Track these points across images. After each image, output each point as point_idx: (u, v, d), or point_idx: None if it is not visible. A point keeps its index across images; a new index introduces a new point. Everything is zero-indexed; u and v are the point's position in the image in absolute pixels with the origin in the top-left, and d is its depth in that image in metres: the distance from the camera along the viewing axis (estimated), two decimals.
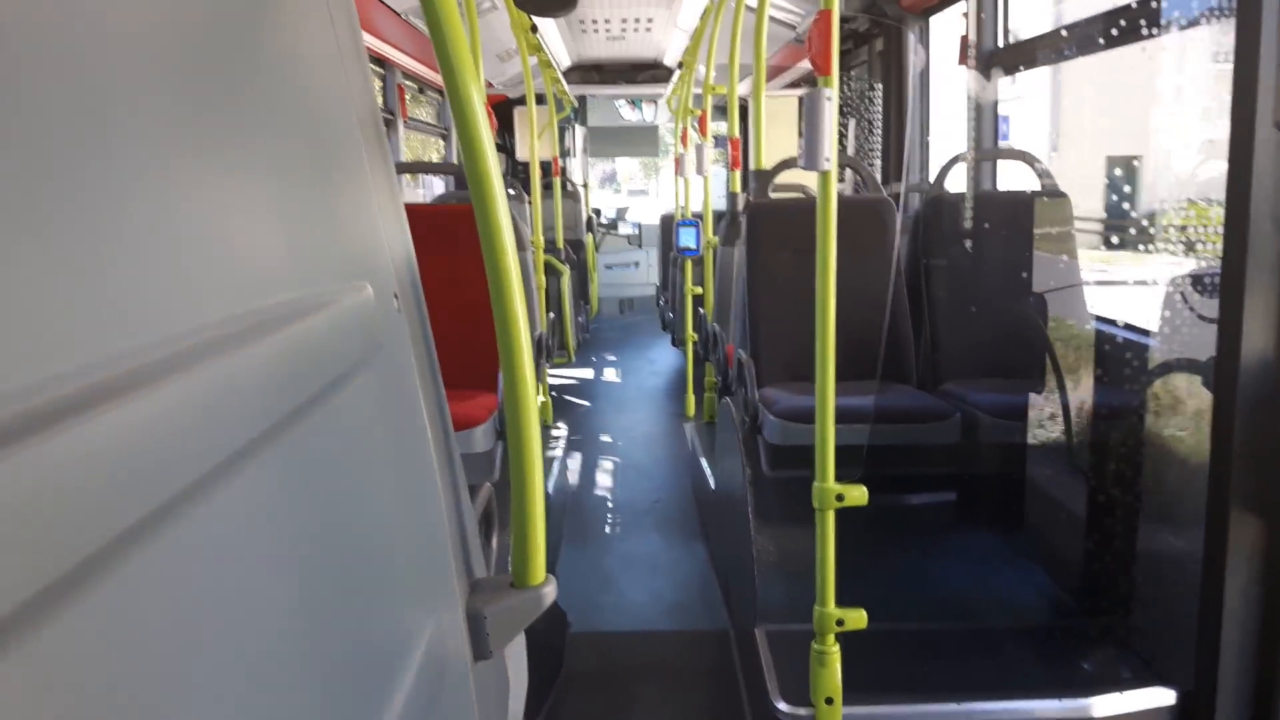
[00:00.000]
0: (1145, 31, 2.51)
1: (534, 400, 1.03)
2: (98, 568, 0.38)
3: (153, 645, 0.42)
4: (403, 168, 4.26)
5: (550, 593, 1.05)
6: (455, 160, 6.31)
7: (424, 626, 0.84)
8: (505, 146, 8.20)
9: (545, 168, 6.32)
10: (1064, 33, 3.09)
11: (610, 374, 6.83)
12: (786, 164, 3.43)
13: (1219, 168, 1.69)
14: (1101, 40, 2.81)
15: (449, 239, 2.92)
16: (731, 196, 4.14)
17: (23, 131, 0.39)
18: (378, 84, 5.10)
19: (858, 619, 1.84)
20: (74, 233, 0.41)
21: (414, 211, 3.24)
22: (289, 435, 0.59)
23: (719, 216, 4.72)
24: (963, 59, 3.80)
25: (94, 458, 0.38)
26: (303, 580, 0.61)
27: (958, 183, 3.66)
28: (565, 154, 9.20)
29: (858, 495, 1.82)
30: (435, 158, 6.50)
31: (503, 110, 7.79)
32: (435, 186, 6.08)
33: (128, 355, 0.43)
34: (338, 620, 0.66)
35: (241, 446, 0.52)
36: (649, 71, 8.04)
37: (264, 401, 0.56)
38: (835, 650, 1.85)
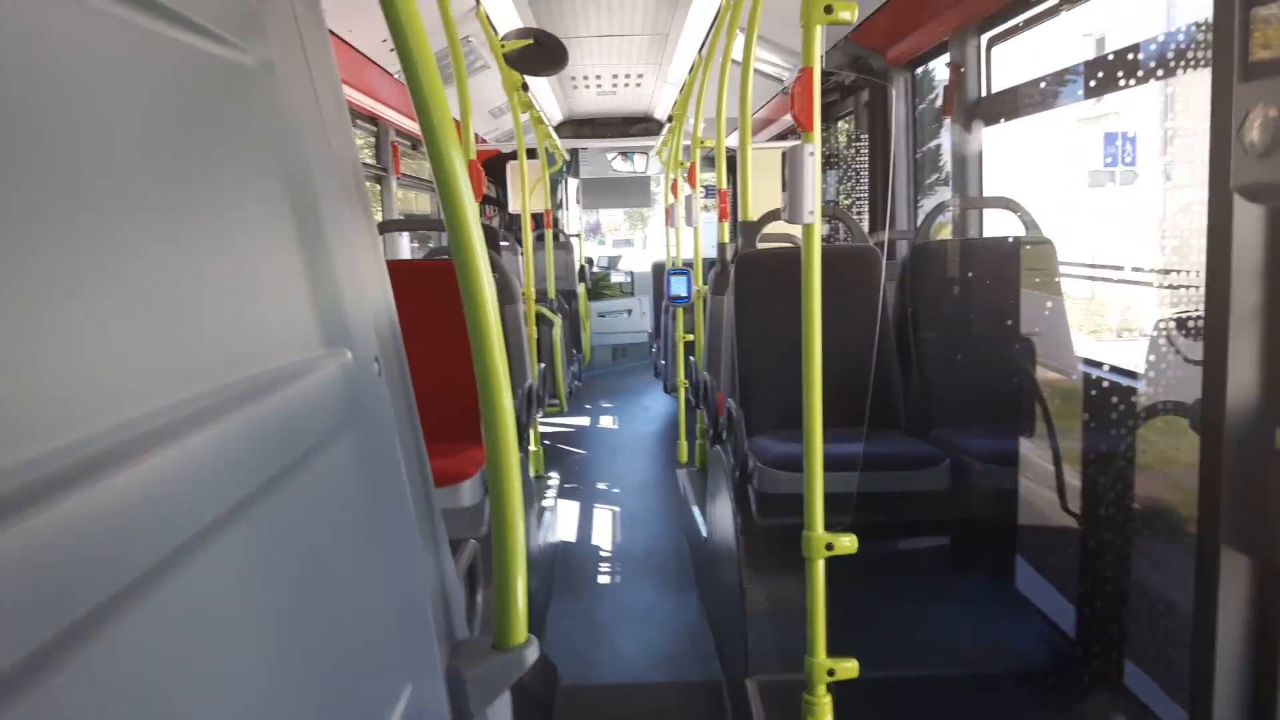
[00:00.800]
0: (1123, 82, 2.57)
1: (516, 461, 1.04)
2: (75, 637, 0.38)
3: (129, 713, 0.42)
4: (391, 225, 4.30)
5: (532, 653, 1.05)
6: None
7: (402, 689, 0.84)
8: (498, 200, 8.28)
9: (538, 219, 6.38)
10: (1043, 84, 3.16)
11: (603, 422, 6.83)
12: (772, 215, 3.47)
13: None
14: (1080, 91, 2.87)
15: (437, 294, 2.94)
16: (721, 247, 4.19)
17: (4, 205, 0.40)
18: (371, 141, 5.17)
19: (849, 669, 1.83)
20: (54, 307, 0.42)
21: (404, 267, 3.26)
22: (266, 502, 0.60)
23: (710, 265, 4.76)
24: (947, 109, 3.87)
25: (67, 532, 0.39)
26: (279, 644, 0.61)
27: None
28: (558, 206, 9.29)
29: (847, 544, 1.82)
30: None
31: (496, 164, 7.88)
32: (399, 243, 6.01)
33: (111, 431, 0.44)
34: (314, 683, 0.66)
35: (218, 515, 0.53)
36: (640, 125, 8.16)
37: (241, 471, 0.57)
38: (827, 701, 1.84)
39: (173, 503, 0.48)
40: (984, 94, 3.87)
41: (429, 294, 2.92)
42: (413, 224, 6.03)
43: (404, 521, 0.92)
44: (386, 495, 0.89)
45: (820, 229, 1.83)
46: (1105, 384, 2.45)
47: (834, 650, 1.84)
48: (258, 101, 0.73)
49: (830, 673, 1.82)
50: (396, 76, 4.55)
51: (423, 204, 6.73)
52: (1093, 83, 2.79)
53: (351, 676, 0.74)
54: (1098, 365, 2.64)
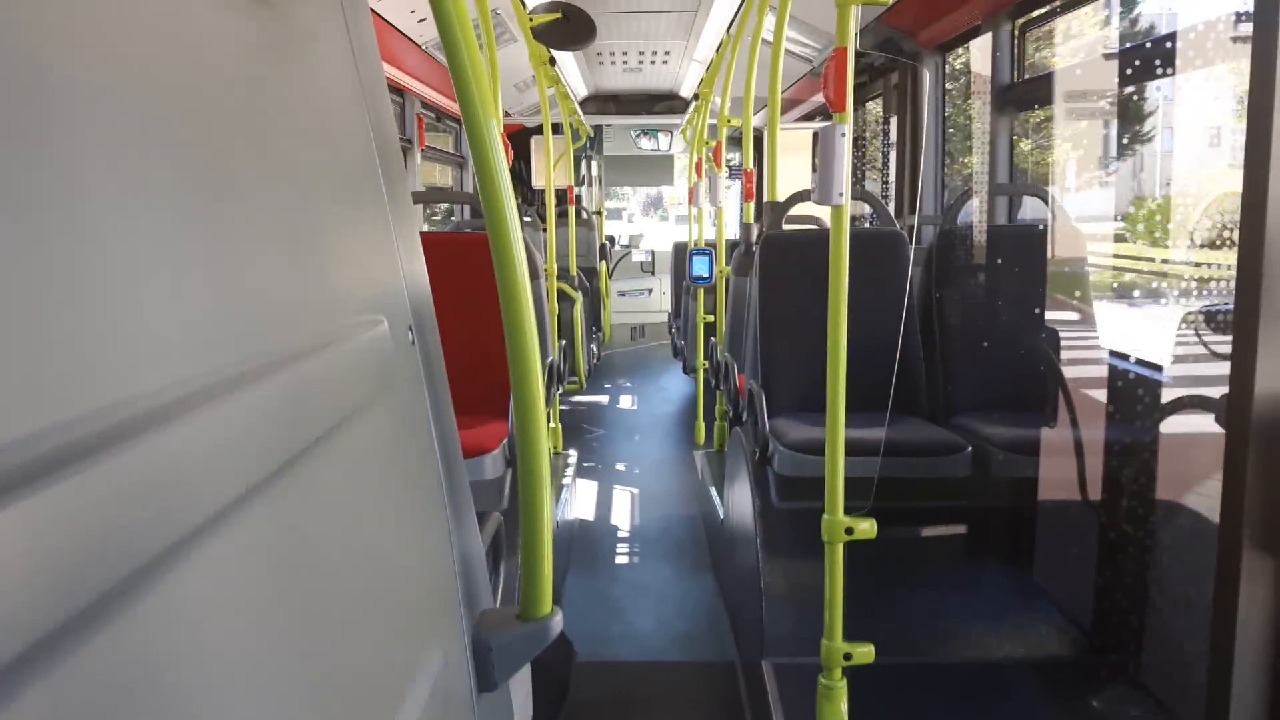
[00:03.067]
0: (1160, 71, 2.53)
1: (545, 433, 1.04)
2: (112, 603, 0.39)
3: (160, 674, 0.43)
4: (420, 197, 4.30)
5: (557, 625, 1.05)
6: (471, 189, 6.36)
7: (429, 657, 0.84)
8: (521, 175, 8.27)
9: (561, 196, 6.36)
10: (1078, 71, 3.11)
11: (621, 401, 6.84)
12: (800, 196, 3.44)
13: None
14: (1115, 79, 2.82)
15: (464, 267, 2.94)
16: (745, 227, 4.17)
17: (40, 164, 0.40)
18: (396, 112, 5.16)
19: (865, 654, 1.83)
20: (88, 269, 0.42)
21: (429, 240, 3.27)
22: (299, 471, 0.60)
23: (732, 246, 4.74)
24: (977, 94, 3.83)
25: (109, 495, 0.39)
26: (307, 611, 0.61)
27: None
28: (581, 182, 9.26)
29: (867, 528, 1.82)
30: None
31: (520, 139, 7.86)
32: None
33: (144, 395, 0.44)
34: (341, 650, 0.66)
35: (253, 483, 0.53)
36: (665, 102, 8.11)
37: (276, 439, 0.57)
38: (842, 685, 1.84)
39: (209, 466, 0.48)
40: (1016, 79, 3.82)
41: (456, 267, 2.93)
42: (445, 196, 6.01)
43: (433, 491, 0.92)
44: (418, 464, 0.89)
45: (849, 211, 1.82)
46: (1131, 376, 2.43)
47: (850, 635, 1.84)
48: (300, 68, 0.73)
49: (847, 657, 1.82)
50: (424, 47, 4.53)
51: (444, 179, 6.73)
52: (1129, 71, 2.75)
53: (379, 642, 0.74)
54: (1124, 357, 2.62)
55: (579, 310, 5.74)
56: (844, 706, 1.83)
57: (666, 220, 11.52)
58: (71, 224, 0.41)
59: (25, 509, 0.34)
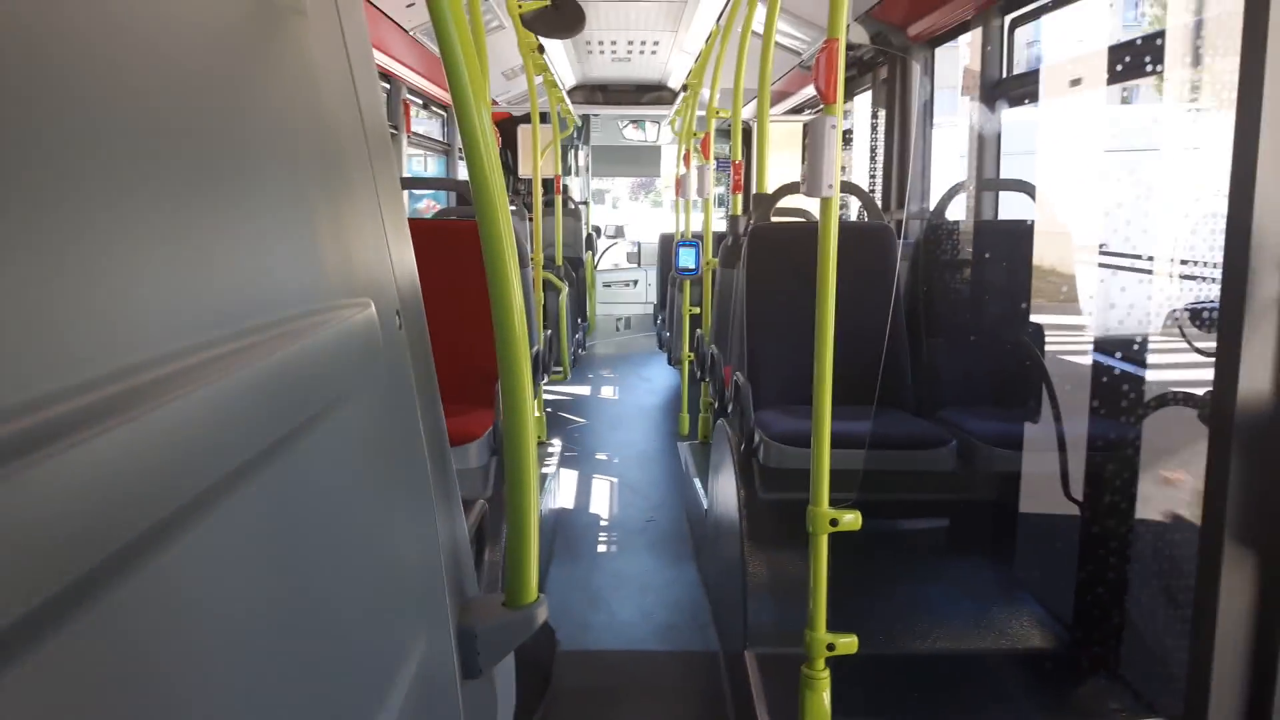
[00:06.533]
0: (1150, 68, 2.53)
1: (532, 421, 1.04)
2: (92, 584, 0.38)
3: (144, 660, 0.42)
4: (409, 183, 4.27)
5: (542, 612, 1.05)
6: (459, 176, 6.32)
7: (414, 644, 0.84)
8: (508, 163, 8.23)
9: (547, 185, 6.34)
10: (1068, 66, 3.12)
11: (606, 391, 6.83)
12: (789, 189, 3.44)
13: None
14: (1105, 75, 2.83)
15: (450, 254, 2.93)
16: (733, 219, 4.16)
17: (26, 147, 0.39)
18: (382, 97, 5.13)
19: (849, 644, 1.84)
20: (74, 246, 0.41)
21: (416, 226, 3.24)
22: (287, 452, 0.59)
23: (719, 238, 4.73)
24: (966, 90, 3.84)
25: (91, 473, 0.38)
26: (294, 595, 0.60)
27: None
28: (568, 172, 9.24)
29: (852, 520, 1.82)
30: None
31: (507, 127, 7.83)
32: None
33: (126, 372, 0.43)
34: (328, 636, 0.66)
35: (239, 464, 0.52)
36: (653, 93, 8.09)
37: (264, 418, 0.56)
38: (825, 675, 1.85)
39: (194, 445, 0.47)
40: (1005, 75, 3.83)
41: (442, 253, 2.91)
42: (435, 183, 5.99)
43: (420, 477, 0.92)
44: (404, 449, 0.88)
45: (838, 204, 1.81)
46: (1115, 372, 2.44)
47: (833, 626, 1.85)
48: (288, 46, 0.72)
49: (830, 647, 1.83)
50: (411, 32, 4.50)
51: (429, 168, 6.69)
52: (1118, 68, 2.76)
53: (366, 630, 0.74)
54: (1109, 354, 2.63)
55: (564, 299, 5.73)
56: (826, 696, 1.84)
57: (660, 205, 10.92)
58: (52, 202, 0.40)
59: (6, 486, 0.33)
